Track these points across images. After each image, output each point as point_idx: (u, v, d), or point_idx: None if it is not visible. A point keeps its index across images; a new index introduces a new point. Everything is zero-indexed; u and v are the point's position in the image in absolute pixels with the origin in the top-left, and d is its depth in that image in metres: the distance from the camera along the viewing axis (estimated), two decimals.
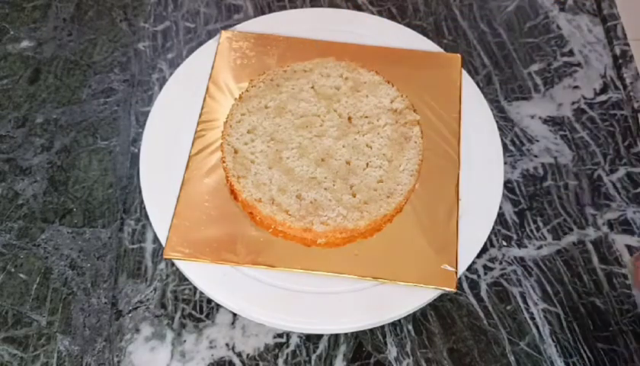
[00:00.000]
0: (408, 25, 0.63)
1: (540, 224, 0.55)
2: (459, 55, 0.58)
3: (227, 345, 0.50)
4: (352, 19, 0.62)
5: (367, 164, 0.50)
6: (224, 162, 0.51)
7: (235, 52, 0.58)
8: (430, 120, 0.54)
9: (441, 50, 0.58)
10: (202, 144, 0.53)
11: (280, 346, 0.50)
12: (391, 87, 0.54)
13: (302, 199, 0.49)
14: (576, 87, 0.63)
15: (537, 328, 0.50)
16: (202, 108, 0.55)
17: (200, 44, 0.59)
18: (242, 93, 0.54)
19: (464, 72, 0.58)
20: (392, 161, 0.50)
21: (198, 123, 0.54)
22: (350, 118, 0.53)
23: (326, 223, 0.48)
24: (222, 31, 0.59)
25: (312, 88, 0.54)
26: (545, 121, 0.61)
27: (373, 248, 0.48)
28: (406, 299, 0.47)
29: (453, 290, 0.46)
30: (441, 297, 0.47)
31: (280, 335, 0.50)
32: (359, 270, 0.47)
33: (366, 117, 0.53)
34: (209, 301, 0.51)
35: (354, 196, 0.49)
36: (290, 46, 0.58)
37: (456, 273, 0.47)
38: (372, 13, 0.67)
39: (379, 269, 0.47)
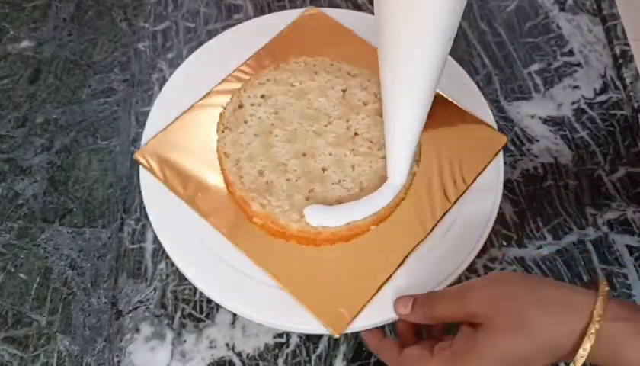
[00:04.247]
0: None
1: (540, 224, 0.55)
2: (505, 138, 0.54)
3: (227, 344, 0.50)
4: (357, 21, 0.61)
5: (340, 181, 0.50)
6: (225, 108, 0.52)
7: (310, 30, 0.59)
8: (431, 180, 0.51)
9: (491, 122, 0.55)
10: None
11: (279, 346, 0.50)
12: None
13: (261, 175, 0.50)
14: (576, 87, 0.63)
15: None
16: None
17: (200, 44, 0.59)
18: (281, 64, 0.55)
19: (464, 74, 0.58)
20: (362, 190, 0.49)
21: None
22: (355, 134, 0.52)
23: (263, 206, 0.48)
24: (308, 7, 0.61)
25: (344, 91, 0.54)
26: (545, 121, 0.61)
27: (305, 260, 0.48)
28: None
29: (335, 335, 0.45)
30: None
31: (279, 335, 0.50)
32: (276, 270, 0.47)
33: (371, 142, 0.51)
34: (209, 301, 0.51)
35: (307, 200, 0.49)
36: (355, 45, 0.58)
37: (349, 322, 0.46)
38: (373, 13, 0.67)
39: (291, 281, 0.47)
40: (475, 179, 0.51)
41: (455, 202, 0.50)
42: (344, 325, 0.45)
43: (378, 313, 0.46)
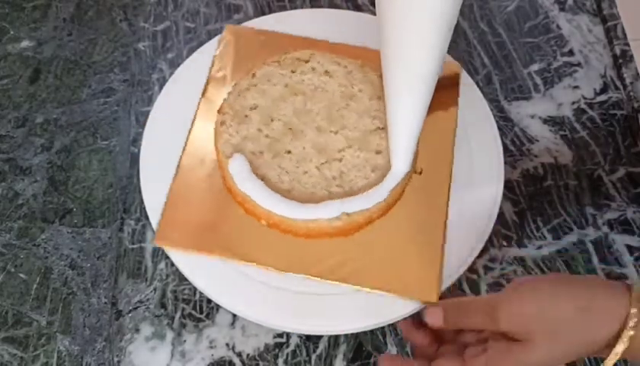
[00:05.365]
0: None
1: (540, 224, 0.55)
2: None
3: (227, 344, 0.50)
4: (355, 20, 0.61)
5: (283, 168, 0.50)
6: (287, 54, 0.55)
7: None
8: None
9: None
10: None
11: (279, 346, 0.50)
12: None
13: (252, 109, 0.52)
14: (576, 87, 0.63)
15: None
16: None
17: (200, 44, 0.59)
18: (367, 67, 0.55)
19: (464, 74, 0.58)
20: (288, 193, 0.49)
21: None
22: (339, 160, 0.50)
23: (223, 124, 0.51)
24: None
25: (380, 128, 0.52)
26: (545, 121, 0.61)
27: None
28: (405, 302, 0.47)
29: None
30: (441, 297, 0.47)
31: (279, 335, 0.50)
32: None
33: (336, 177, 0.50)
34: (209, 301, 0.51)
35: (251, 154, 0.50)
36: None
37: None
38: (373, 13, 0.67)
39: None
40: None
41: None
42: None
43: (471, 249, 0.48)
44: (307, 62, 0.55)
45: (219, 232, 0.49)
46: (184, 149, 0.52)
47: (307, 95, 0.53)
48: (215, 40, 0.59)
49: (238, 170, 0.48)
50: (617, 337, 0.36)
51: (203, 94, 0.55)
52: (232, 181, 0.49)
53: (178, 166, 0.52)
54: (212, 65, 0.56)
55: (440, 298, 0.47)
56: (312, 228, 0.48)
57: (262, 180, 0.49)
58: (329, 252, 0.48)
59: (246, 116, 0.52)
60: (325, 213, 0.47)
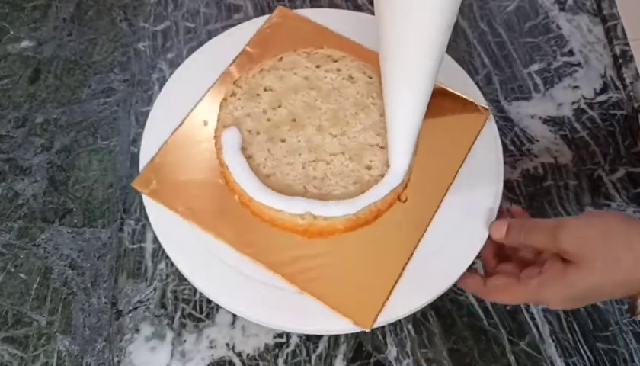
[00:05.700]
0: None
1: None
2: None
3: (227, 344, 0.50)
4: (355, 20, 0.61)
5: (272, 152, 0.50)
6: (309, 52, 0.55)
7: None
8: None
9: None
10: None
11: (279, 346, 0.50)
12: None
13: (266, 90, 0.53)
14: (576, 87, 0.63)
15: (537, 328, 0.50)
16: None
17: (200, 44, 0.59)
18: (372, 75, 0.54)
19: (472, 86, 0.57)
20: (267, 177, 0.49)
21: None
22: (327, 164, 0.50)
23: (233, 95, 0.52)
24: None
25: (378, 132, 0.52)
26: (545, 121, 0.61)
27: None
28: (403, 302, 0.47)
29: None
30: (441, 297, 0.47)
31: (279, 335, 0.50)
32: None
33: (319, 177, 0.50)
34: (209, 301, 0.51)
35: (248, 132, 0.50)
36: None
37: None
38: (373, 13, 0.67)
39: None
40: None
41: None
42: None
43: (471, 248, 0.47)
44: (335, 61, 0.55)
45: (193, 194, 0.49)
46: (192, 108, 0.53)
47: (321, 93, 0.53)
48: (214, 40, 0.59)
49: (229, 142, 0.49)
50: None
51: (231, 64, 0.56)
52: (220, 150, 0.49)
53: (181, 124, 0.53)
54: (250, 41, 0.57)
55: (440, 297, 0.47)
56: (275, 218, 0.48)
57: (247, 159, 0.49)
58: (287, 246, 0.48)
59: (258, 94, 0.52)
60: (290, 207, 0.47)
